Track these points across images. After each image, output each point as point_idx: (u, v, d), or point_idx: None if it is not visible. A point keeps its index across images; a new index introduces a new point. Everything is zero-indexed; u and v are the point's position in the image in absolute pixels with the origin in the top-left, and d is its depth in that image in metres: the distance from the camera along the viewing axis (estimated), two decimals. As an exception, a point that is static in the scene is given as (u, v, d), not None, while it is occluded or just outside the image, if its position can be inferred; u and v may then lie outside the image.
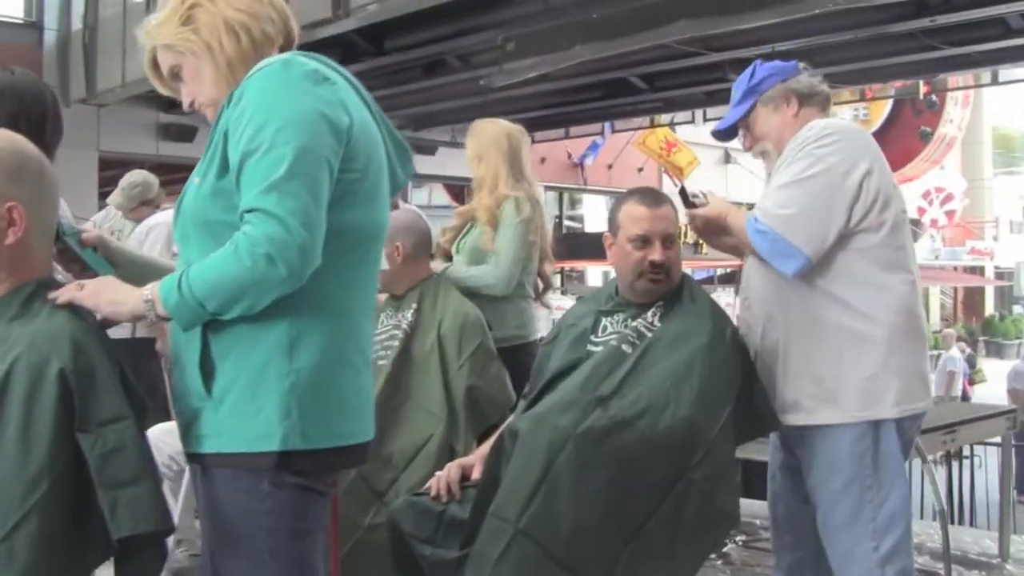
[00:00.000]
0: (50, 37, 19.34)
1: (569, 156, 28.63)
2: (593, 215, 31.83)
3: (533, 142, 26.01)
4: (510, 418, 4.12)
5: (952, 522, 12.47)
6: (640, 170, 28.74)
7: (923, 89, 21.83)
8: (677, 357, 3.73)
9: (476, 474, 3.94)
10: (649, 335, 3.88)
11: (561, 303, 15.11)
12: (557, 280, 29.45)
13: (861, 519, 3.81)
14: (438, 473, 4.04)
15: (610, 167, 28.79)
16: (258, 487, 2.55)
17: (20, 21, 19.96)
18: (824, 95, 4.20)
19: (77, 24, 18.82)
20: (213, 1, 2.75)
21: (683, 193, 4.08)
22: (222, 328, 2.55)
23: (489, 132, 5.76)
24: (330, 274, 2.55)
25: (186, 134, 19.09)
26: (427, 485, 4.04)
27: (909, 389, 3.85)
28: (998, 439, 6.85)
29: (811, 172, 3.77)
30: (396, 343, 4.88)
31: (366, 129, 2.68)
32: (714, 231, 4.03)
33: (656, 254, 3.97)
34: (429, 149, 22.61)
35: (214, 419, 2.58)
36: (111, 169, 19.82)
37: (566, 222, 31.42)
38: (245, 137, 2.48)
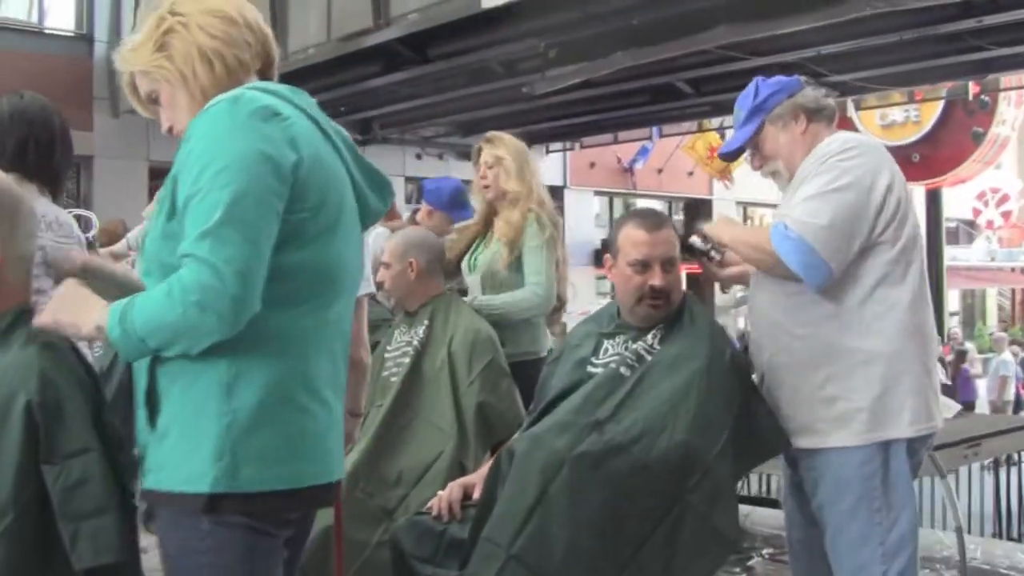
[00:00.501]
0: (100, 49, 19.62)
1: (619, 161, 28.60)
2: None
3: (582, 147, 26.13)
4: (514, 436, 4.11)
5: (1000, 535, 12.36)
6: (690, 174, 28.70)
7: (973, 90, 21.62)
8: (674, 381, 3.70)
9: (478, 493, 3.92)
10: (648, 358, 3.85)
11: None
12: (608, 285, 29.40)
13: (870, 542, 3.76)
14: (440, 493, 4.03)
15: (660, 171, 28.76)
16: (198, 526, 2.49)
17: (71, 34, 20.23)
18: (831, 109, 4.12)
19: (127, 36, 18.96)
20: (187, 27, 2.70)
21: (690, 248, 4.09)
22: (167, 362, 2.51)
23: (520, 147, 5.76)
24: (277, 314, 2.49)
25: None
26: (428, 505, 4.03)
27: (923, 408, 3.80)
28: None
29: (838, 184, 3.72)
30: (407, 360, 4.88)
31: (321, 165, 2.60)
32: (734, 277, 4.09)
33: (656, 279, 3.93)
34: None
35: (157, 454, 2.53)
36: (162, 178, 20.03)
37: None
38: (189, 180, 2.44)
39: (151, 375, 2.53)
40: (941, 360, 21.94)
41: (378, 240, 6.65)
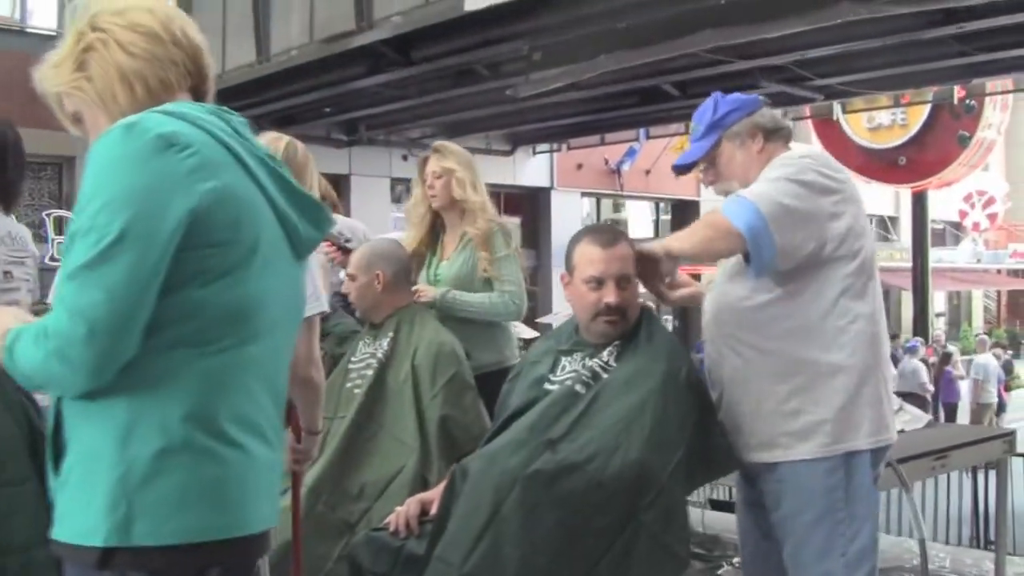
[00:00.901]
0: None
1: (606, 162, 28.60)
2: (637, 220, 31.81)
3: (568, 148, 26.15)
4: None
5: (977, 540, 12.37)
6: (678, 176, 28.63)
7: (958, 94, 21.69)
8: (630, 399, 3.67)
9: (435, 509, 3.91)
10: (604, 376, 3.82)
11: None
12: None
13: (832, 554, 3.74)
14: (398, 508, 4.02)
15: (648, 172, 28.75)
16: None
17: (54, 33, 20.12)
18: (788, 130, 4.11)
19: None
20: (106, 44, 2.48)
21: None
22: (71, 402, 2.35)
23: (469, 158, 5.72)
24: (180, 355, 2.32)
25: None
26: (386, 520, 4.01)
27: (881, 419, 3.82)
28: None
29: (800, 177, 3.72)
30: (371, 372, 4.86)
31: (229, 197, 2.36)
32: (647, 270, 3.93)
33: (611, 296, 3.89)
34: (464, 157, 22.62)
35: (60, 502, 2.37)
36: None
37: (608, 228, 31.29)
38: (76, 214, 2.29)
39: (57, 414, 2.39)
40: (924, 362, 22.03)
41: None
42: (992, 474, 13.87)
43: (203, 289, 2.31)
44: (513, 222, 27.36)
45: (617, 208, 32.02)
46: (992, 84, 23.33)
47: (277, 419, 2.54)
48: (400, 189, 22.85)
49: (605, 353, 3.91)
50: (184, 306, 2.30)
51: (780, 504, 3.84)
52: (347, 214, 6.93)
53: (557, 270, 27.30)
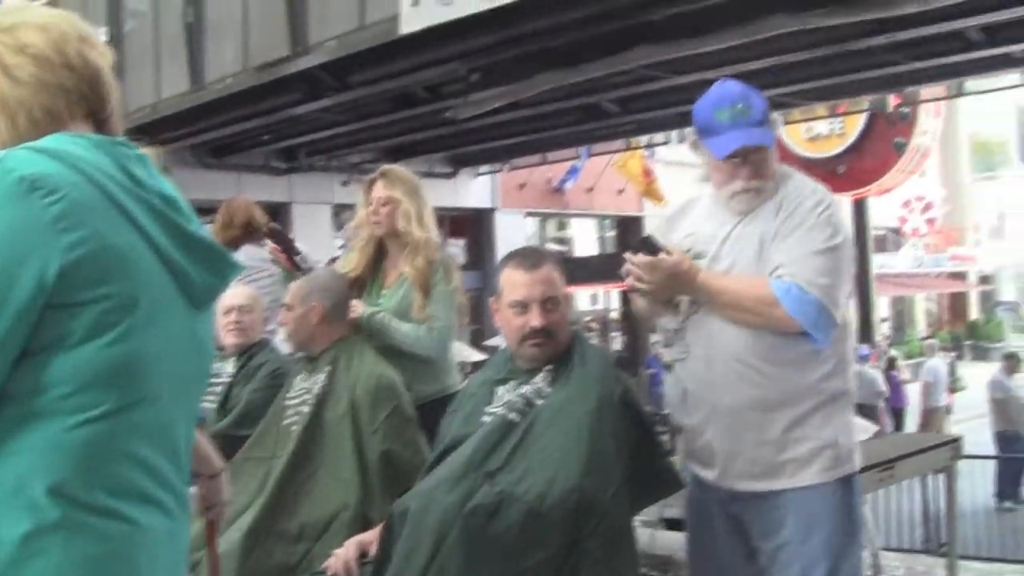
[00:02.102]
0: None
1: (549, 181, 28.57)
2: (582, 238, 31.82)
3: (511, 169, 26.12)
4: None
5: (931, 548, 12.41)
6: (621, 192, 28.70)
7: (892, 102, 21.85)
8: (565, 425, 3.64)
9: (375, 551, 3.85)
10: (539, 402, 3.79)
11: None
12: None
13: (847, 570, 3.81)
14: (336, 551, 3.96)
15: (590, 190, 28.75)
16: None
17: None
18: None
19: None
20: None
21: (648, 243, 3.81)
22: None
23: (417, 187, 5.57)
24: (45, 427, 2.03)
25: (157, 174, 18.96)
26: (325, 564, 3.95)
27: (857, 442, 3.92)
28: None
29: (836, 242, 3.73)
30: (307, 408, 4.76)
31: (105, 246, 2.08)
32: (673, 287, 3.81)
33: (536, 319, 3.87)
34: (406, 181, 22.52)
35: None
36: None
37: (554, 246, 31.37)
38: None
39: None
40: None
41: None
42: (942, 477, 14.08)
43: (70, 352, 2.05)
44: (457, 244, 27.35)
45: (562, 226, 32.02)
46: (926, 91, 23.53)
47: (179, 483, 2.28)
48: (343, 216, 22.70)
49: (539, 379, 3.88)
50: (47, 372, 2.03)
51: (780, 531, 3.82)
52: None
53: (503, 291, 27.33)
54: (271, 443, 4.79)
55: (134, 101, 16.89)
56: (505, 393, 3.94)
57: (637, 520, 7.20)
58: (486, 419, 3.88)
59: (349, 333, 5.07)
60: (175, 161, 19.67)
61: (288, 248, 5.46)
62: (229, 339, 5.81)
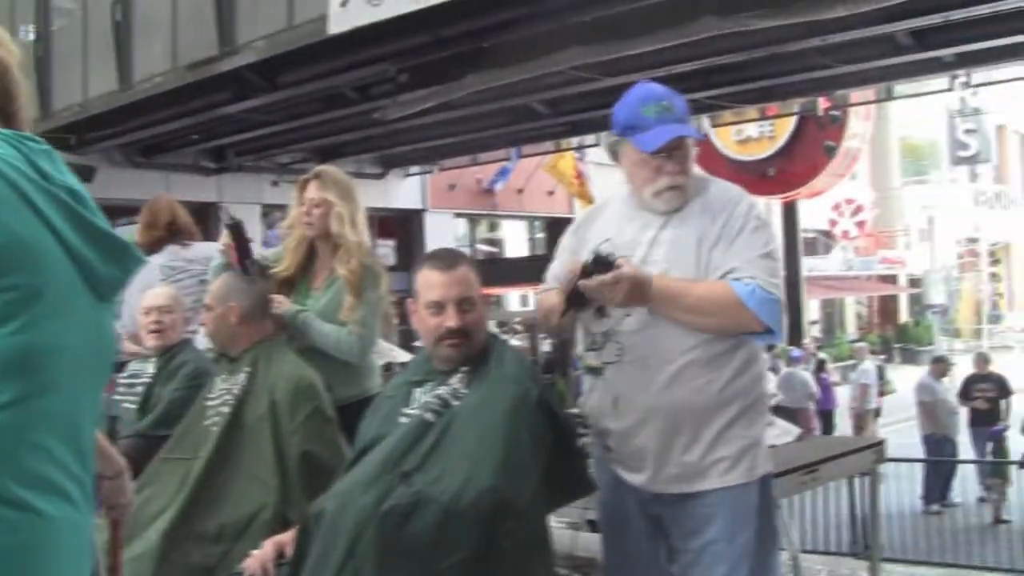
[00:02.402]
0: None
1: (479, 182, 28.56)
2: (513, 239, 31.82)
3: (441, 170, 26.08)
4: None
5: (858, 551, 12.49)
6: (551, 193, 28.74)
7: (822, 105, 21.97)
8: (480, 425, 3.63)
9: (291, 552, 3.81)
10: (455, 403, 3.78)
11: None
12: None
13: (769, 570, 3.89)
14: (254, 552, 3.92)
15: (521, 191, 28.77)
16: None
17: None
18: None
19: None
20: None
21: (602, 260, 3.67)
22: None
23: (350, 190, 5.50)
24: None
25: (85, 173, 18.73)
26: (242, 565, 3.91)
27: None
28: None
29: (774, 244, 3.83)
30: (227, 409, 4.72)
31: (17, 236, 2.09)
32: (633, 297, 3.72)
33: (451, 320, 3.87)
34: (338, 182, 22.44)
35: None
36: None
37: (484, 247, 31.39)
38: None
39: None
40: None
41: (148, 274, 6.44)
42: (867, 480, 14.17)
43: None
44: (387, 245, 27.28)
45: (493, 228, 32.01)
46: (856, 95, 23.71)
47: (84, 476, 2.26)
48: (272, 216, 22.55)
49: (455, 380, 3.87)
50: None
51: (706, 530, 3.84)
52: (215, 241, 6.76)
53: (433, 291, 27.32)
54: (191, 444, 4.74)
55: (63, 99, 16.74)
56: (422, 395, 3.92)
57: (561, 522, 7.21)
58: (403, 420, 3.86)
59: (270, 334, 5.02)
60: (104, 160, 19.49)
61: (243, 247, 5.36)
62: (150, 340, 5.75)
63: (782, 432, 5.90)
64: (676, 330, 3.78)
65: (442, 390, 3.85)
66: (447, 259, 4.03)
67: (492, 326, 6.28)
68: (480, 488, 3.46)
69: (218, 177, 22.24)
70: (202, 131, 19.32)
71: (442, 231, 28.12)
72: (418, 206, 27.62)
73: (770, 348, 28.09)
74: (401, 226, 27.91)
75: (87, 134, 18.56)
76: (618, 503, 4.05)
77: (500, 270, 22.56)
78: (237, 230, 5.39)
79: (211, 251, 6.13)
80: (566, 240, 4.25)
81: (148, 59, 15.22)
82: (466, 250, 29.83)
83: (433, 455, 3.60)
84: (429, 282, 3.96)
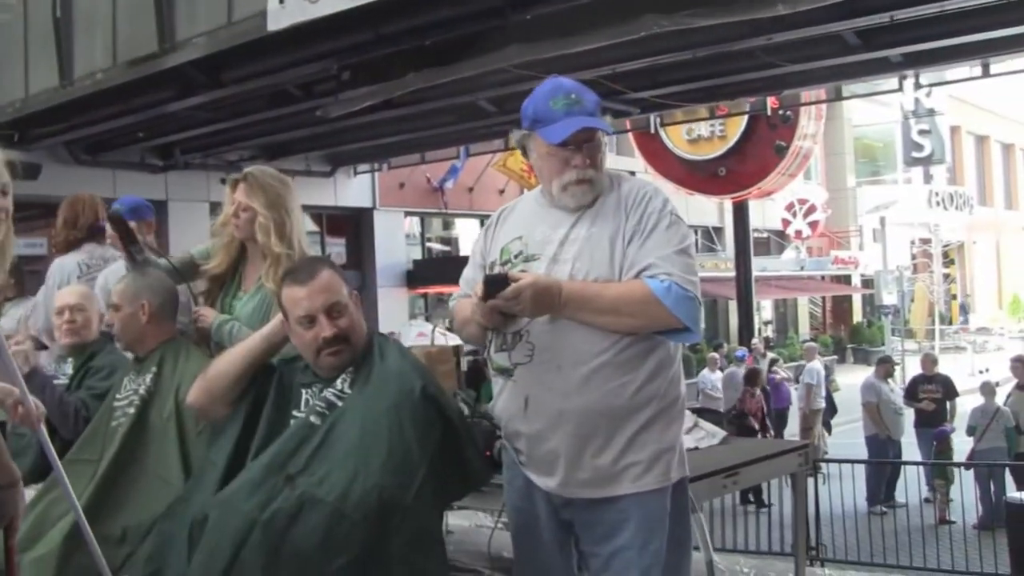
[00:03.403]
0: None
1: (428, 181, 28.55)
2: (467, 237, 31.84)
3: (389, 168, 26.05)
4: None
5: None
6: (501, 192, 28.77)
7: (771, 104, 22.03)
8: (364, 424, 3.59)
9: None
10: (339, 404, 3.73)
11: (423, 329, 14.70)
12: (420, 305, 29.44)
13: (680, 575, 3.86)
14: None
15: (471, 190, 28.81)
16: None
17: None
18: None
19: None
20: None
21: (495, 281, 3.60)
22: None
23: (278, 198, 5.18)
24: None
25: (31, 171, 18.61)
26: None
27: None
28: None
29: (690, 240, 3.76)
30: (133, 409, 4.63)
31: None
32: (541, 304, 3.63)
33: (325, 330, 3.82)
34: (281, 181, 22.43)
35: None
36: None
37: (436, 245, 31.41)
38: None
39: None
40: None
41: (64, 272, 6.37)
42: (812, 481, 14.17)
43: None
44: (337, 243, 27.22)
45: (447, 226, 32.01)
46: (807, 95, 23.81)
47: None
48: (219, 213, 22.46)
49: (339, 381, 3.82)
50: None
51: (617, 535, 3.76)
52: (165, 241, 6.64)
53: (381, 290, 27.44)
54: (98, 445, 4.65)
55: (4, 95, 16.62)
56: (310, 397, 3.88)
57: (484, 523, 7.15)
58: (292, 422, 3.81)
59: (176, 334, 4.93)
60: (49, 157, 19.35)
61: (125, 235, 5.24)
62: (64, 339, 5.64)
63: (707, 435, 5.84)
64: (588, 331, 3.70)
65: (327, 392, 3.80)
66: (306, 270, 3.96)
67: (442, 326, 6.21)
68: (366, 486, 3.42)
69: (165, 175, 22.17)
70: (147, 129, 19.25)
71: (392, 229, 28.13)
72: (368, 204, 27.63)
73: (717, 348, 28.18)
74: (350, 224, 27.91)
75: (31, 131, 18.43)
76: (529, 508, 3.95)
77: (454, 269, 22.56)
78: (116, 219, 5.30)
79: (110, 250, 6.04)
80: (477, 243, 4.17)
81: (89, 56, 15.12)
82: (416, 248, 29.88)
83: (318, 456, 3.55)
84: (293, 298, 3.90)
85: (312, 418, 3.71)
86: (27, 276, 7.52)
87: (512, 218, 4.05)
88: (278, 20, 11.81)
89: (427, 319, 24.99)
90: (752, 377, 19.43)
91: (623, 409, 3.69)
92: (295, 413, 3.85)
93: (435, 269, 28.53)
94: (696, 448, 5.65)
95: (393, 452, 3.50)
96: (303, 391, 3.91)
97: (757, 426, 18.19)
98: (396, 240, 28.70)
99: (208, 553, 3.34)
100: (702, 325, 3.76)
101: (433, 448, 3.60)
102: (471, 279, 4.02)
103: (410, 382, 3.72)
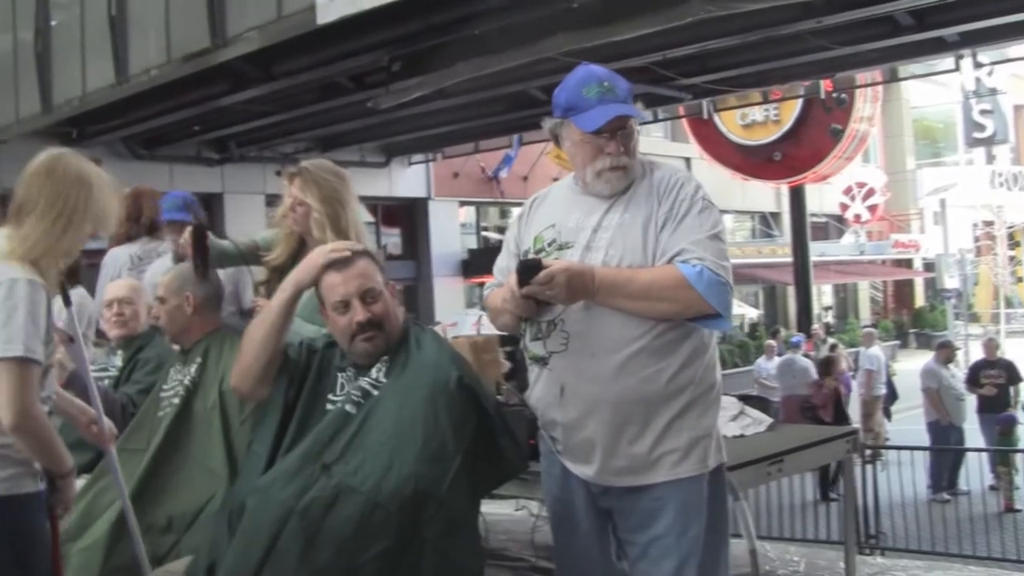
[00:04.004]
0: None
1: (483, 170, 28.56)
2: (524, 226, 31.81)
3: (444, 158, 26.09)
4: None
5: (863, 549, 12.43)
6: (555, 179, 28.54)
7: (824, 87, 21.89)
8: (400, 413, 3.62)
9: None
10: (375, 393, 3.76)
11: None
12: (477, 295, 29.46)
13: (719, 565, 3.84)
14: None
15: (525, 179, 28.78)
16: None
17: None
18: None
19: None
20: None
21: (528, 268, 3.61)
22: None
23: (332, 194, 5.17)
24: None
25: (89, 166, 18.81)
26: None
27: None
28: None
29: (722, 226, 3.77)
30: (178, 400, 4.70)
31: None
32: (575, 290, 3.64)
33: (359, 314, 3.85)
34: (339, 172, 22.55)
35: None
36: (4, 204, 19.55)
37: (491, 234, 31.37)
38: None
39: None
40: (807, 356, 22.11)
41: (117, 265, 6.44)
42: (869, 468, 14.06)
43: None
44: (392, 234, 27.29)
45: (502, 215, 31.99)
46: (862, 77, 23.60)
47: None
48: (276, 206, 22.58)
49: (374, 369, 3.85)
50: None
51: (655, 523, 3.78)
52: (221, 232, 6.66)
53: (438, 280, 27.45)
54: (145, 435, 4.72)
55: (63, 93, 16.76)
56: (345, 382, 3.91)
57: (524, 511, 7.15)
58: (328, 408, 3.85)
59: (220, 325, 4.99)
60: (108, 153, 19.55)
61: (201, 251, 5.23)
62: (112, 331, 5.73)
63: (753, 422, 5.80)
64: (623, 318, 3.70)
65: (363, 380, 3.83)
66: (343, 258, 4.00)
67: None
68: (401, 476, 3.44)
69: (221, 167, 22.35)
70: (202, 122, 19.40)
71: (447, 219, 28.16)
72: (422, 194, 27.69)
73: (774, 335, 28.01)
74: (405, 214, 27.99)
75: (88, 127, 18.64)
76: (567, 497, 3.97)
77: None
78: (199, 233, 5.31)
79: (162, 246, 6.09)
80: (510, 231, 4.19)
81: (143, 53, 15.23)
82: (471, 237, 29.88)
83: (353, 445, 3.58)
84: (330, 284, 3.96)
85: (348, 407, 3.74)
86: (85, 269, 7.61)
87: (544, 206, 4.05)
88: (327, 13, 11.84)
89: (483, 308, 25.08)
90: (827, 366, 18.44)
91: (659, 396, 3.70)
92: (330, 397, 3.89)
93: (490, 258, 27.74)
94: (742, 435, 5.63)
95: (428, 442, 3.53)
96: (338, 375, 3.94)
97: (829, 419, 16.90)
98: (451, 229, 28.73)
99: (245, 541, 3.38)
100: (733, 312, 3.75)
101: (468, 438, 3.63)
102: (504, 268, 4.05)
103: (446, 372, 3.74)
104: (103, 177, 3.96)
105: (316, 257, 4.04)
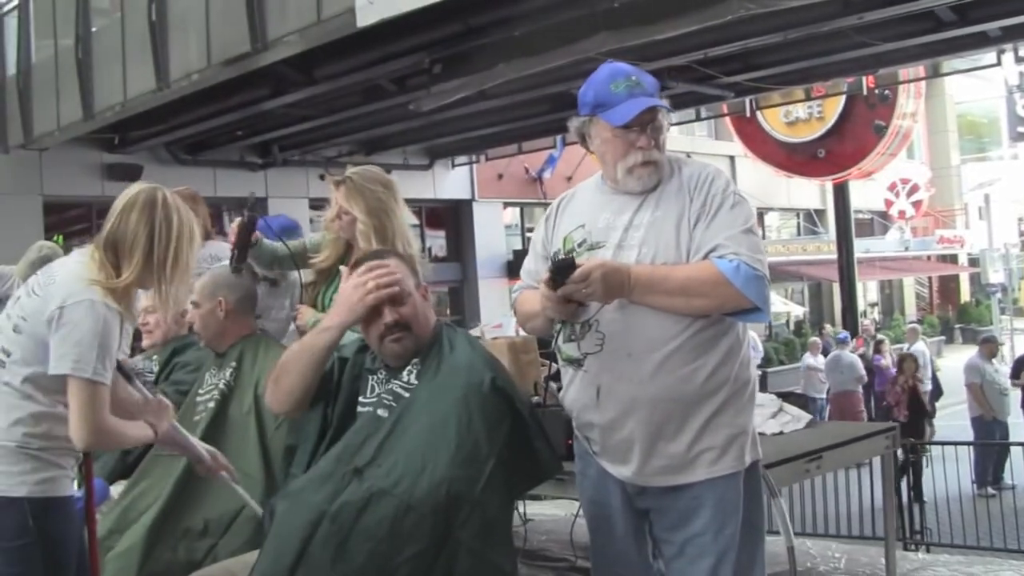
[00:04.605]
0: (-14, 85, 19.22)
1: (527, 171, 28.55)
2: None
3: (487, 159, 26.08)
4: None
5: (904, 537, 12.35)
6: (600, 180, 28.63)
7: (867, 84, 21.78)
8: (432, 416, 3.58)
9: None
10: (406, 396, 3.73)
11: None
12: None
13: (756, 562, 3.83)
14: None
15: (569, 179, 28.66)
16: None
17: None
18: None
19: (11, 70, 18.72)
20: None
21: (561, 268, 3.57)
22: None
23: (376, 204, 5.22)
24: None
25: (132, 173, 18.95)
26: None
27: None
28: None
29: (754, 221, 3.73)
30: (213, 404, 4.73)
31: None
32: (611, 287, 3.61)
33: (387, 316, 3.80)
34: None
35: None
36: (57, 213, 19.68)
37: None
38: None
39: None
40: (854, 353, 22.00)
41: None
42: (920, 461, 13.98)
43: None
44: (436, 236, 27.31)
45: (548, 216, 31.93)
46: (904, 73, 23.48)
47: None
48: (321, 209, 22.62)
49: (405, 372, 3.82)
50: None
51: (691, 522, 3.76)
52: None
53: (483, 281, 27.45)
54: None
55: (104, 100, 16.86)
56: (376, 385, 3.88)
57: (565, 511, 7.14)
58: (362, 410, 3.83)
59: (254, 329, 5.01)
60: (151, 158, 19.68)
61: (243, 244, 5.26)
62: (144, 341, 5.77)
63: (792, 419, 5.78)
64: (659, 317, 3.67)
65: (394, 383, 3.81)
66: (372, 259, 3.96)
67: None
68: (434, 479, 3.41)
69: (265, 172, 22.43)
70: (245, 127, 19.48)
71: (491, 220, 28.14)
72: (466, 196, 27.70)
73: (820, 332, 27.89)
74: (450, 216, 27.99)
75: (130, 133, 18.76)
76: (603, 499, 3.94)
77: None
78: (247, 227, 5.33)
79: (221, 250, 6.09)
80: (537, 232, 4.16)
81: (184, 57, 15.30)
82: (516, 238, 29.87)
83: (385, 449, 3.55)
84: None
85: (379, 411, 3.72)
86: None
87: (572, 206, 4.01)
88: (366, 16, 11.85)
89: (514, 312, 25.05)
90: (902, 364, 18.33)
91: (696, 394, 3.67)
92: (361, 400, 3.86)
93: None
94: (781, 433, 5.62)
95: (461, 445, 3.49)
96: (369, 378, 3.91)
97: (902, 418, 16.67)
98: (496, 231, 28.72)
99: (277, 545, 3.36)
100: (771, 305, 3.73)
101: (502, 440, 3.58)
102: (533, 271, 4.01)
103: (479, 374, 3.69)
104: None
105: (352, 295, 3.86)
